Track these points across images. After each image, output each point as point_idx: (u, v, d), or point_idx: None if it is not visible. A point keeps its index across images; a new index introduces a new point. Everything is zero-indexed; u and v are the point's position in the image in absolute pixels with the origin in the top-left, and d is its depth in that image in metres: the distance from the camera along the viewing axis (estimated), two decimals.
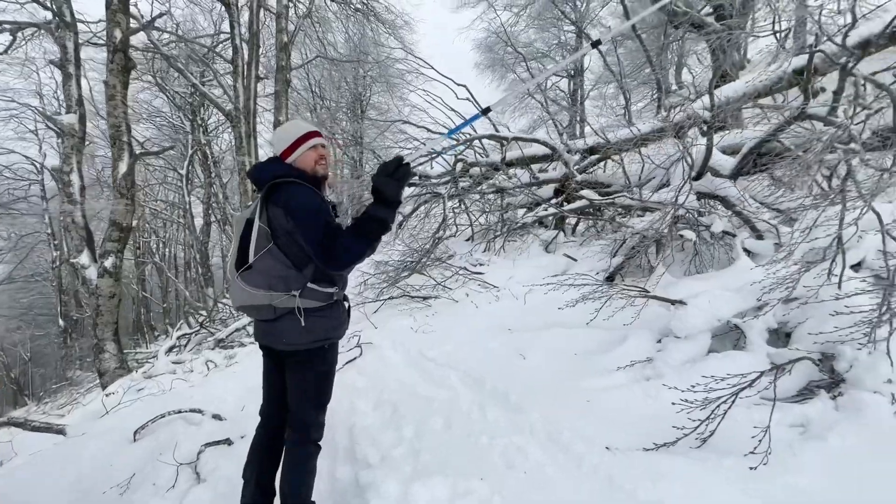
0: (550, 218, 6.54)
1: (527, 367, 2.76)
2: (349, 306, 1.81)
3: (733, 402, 1.84)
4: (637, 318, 2.94)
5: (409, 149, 8.55)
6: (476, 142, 8.07)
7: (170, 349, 8.25)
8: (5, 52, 9.20)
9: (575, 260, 4.67)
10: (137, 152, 9.05)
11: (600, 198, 5.09)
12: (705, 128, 4.46)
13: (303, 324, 1.58)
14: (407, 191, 8.66)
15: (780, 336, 2.76)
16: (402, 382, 2.78)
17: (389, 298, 4.71)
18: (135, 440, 2.59)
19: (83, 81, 12.43)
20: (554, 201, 6.69)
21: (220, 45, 15.24)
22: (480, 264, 5.29)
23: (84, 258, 8.05)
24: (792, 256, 2.91)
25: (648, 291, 3.09)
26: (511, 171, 7.91)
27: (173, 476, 2.00)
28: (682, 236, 4.07)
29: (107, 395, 4.38)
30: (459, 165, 8.23)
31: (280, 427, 1.72)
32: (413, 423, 2.21)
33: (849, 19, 3.32)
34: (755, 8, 8.42)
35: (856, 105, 3.10)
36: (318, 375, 1.70)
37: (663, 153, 5.79)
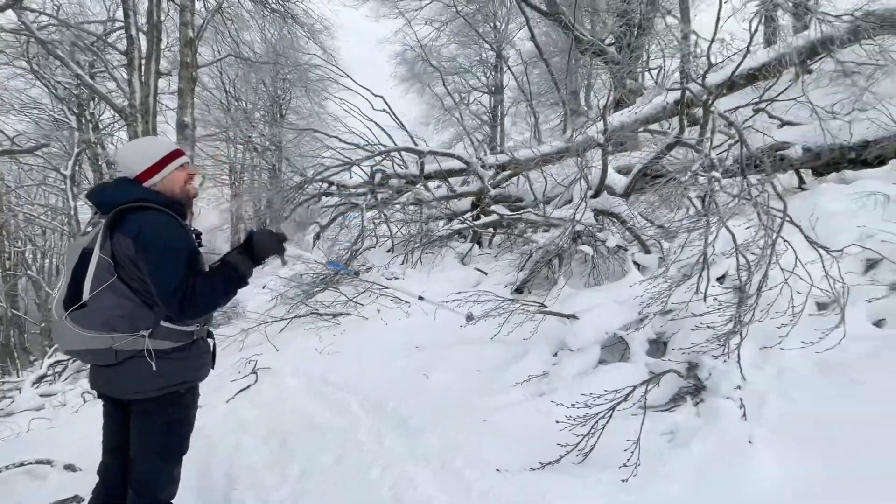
0: (468, 230, 6.69)
1: (430, 388, 2.74)
2: (214, 344, 1.62)
3: (611, 416, 1.95)
4: (535, 332, 3.05)
5: (326, 157, 8.27)
6: (396, 154, 8.04)
7: (39, 379, 7.15)
8: None
9: (485, 273, 4.79)
10: (2, 148, 7.75)
11: (509, 213, 5.29)
12: (602, 150, 4.83)
13: (153, 368, 1.38)
14: (324, 200, 8.37)
15: (659, 346, 3.03)
16: (299, 412, 2.61)
17: (296, 317, 4.46)
18: None
19: None
20: (469, 215, 6.84)
21: (115, 35, 13.74)
22: (396, 277, 5.22)
23: None
24: (669, 272, 3.22)
25: (546, 306, 3.23)
26: (430, 183, 7.99)
27: None
28: (581, 251, 4.35)
29: None
30: (378, 176, 8.13)
31: (124, 486, 1.49)
32: (301, 460, 2.07)
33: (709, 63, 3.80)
34: (648, 42, 9.37)
35: (712, 138, 3.52)
36: (170, 425, 1.48)
37: (568, 171, 6.18)
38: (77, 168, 15.87)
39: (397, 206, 7.73)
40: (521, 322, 3.05)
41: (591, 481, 1.82)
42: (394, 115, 7.66)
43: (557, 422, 1.96)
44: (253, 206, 19.92)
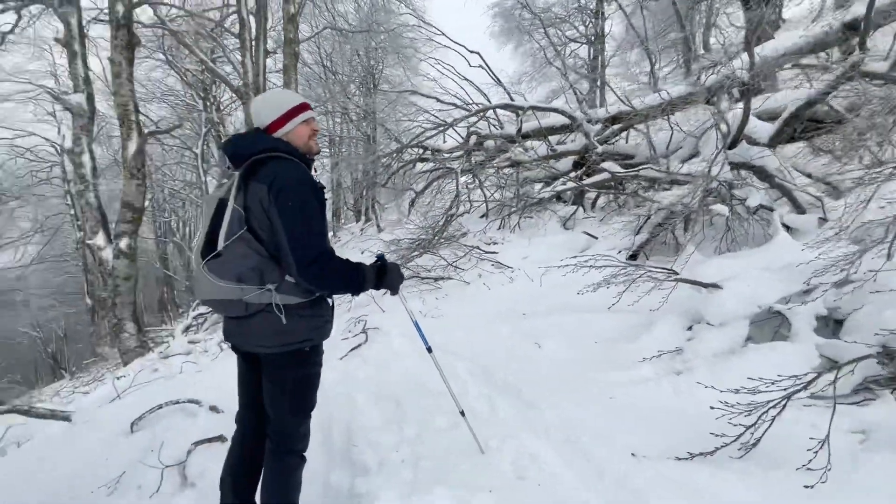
0: (569, 193, 6.20)
1: (541, 357, 2.54)
2: (333, 303, 1.57)
3: (784, 405, 1.58)
4: (665, 302, 2.66)
5: (420, 122, 8.20)
6: (490, 113, 7.69)
7: (186, 328, 8.32)
8: (11, 31, 9.08)
9: (595, 238, 4.37)
10: (147, 131, 8.94)
11: (623, 170, 4.73)
12: (741, 91, 4.04)
13: (283, 322, 1.36)
14: (419, 166, 8.38)
15: (828, 324, 2.47)
16: (408, 374, 2.60)
17: None
18: (132, 432, 2.49)
19: (96, 61, 12.34)
20: (573, 175, 6.32)
21: (229, 20, 14.90)
22: (494, 243, 5.04)
23: (100, 240, 8.08)
24: (842, 235, 2.58)
25: (677, 273, 2.80)
26: (528, 143, 7.54)
27: (159, 478, 1.88)
28: (714, 211, 3.73)
29: (118, 378, 4.36)
30: (473, 138, 7.88)
31: (260, 436, 1.52)
32: (416, 422, 2.03)
33: None
34: None
35: None
36: (297, 381, 1.47)
37: (693, 120, 5.35)
38: (206, 147, 17.94)
39: (493, 170, 7.46)
40: (647, 291, 2.68)
41: (757, 481, 1.51)
42: (490, 70, 7.26)
43: (712, 408, 1.64)
44: (350, 175, 20.98)
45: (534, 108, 6.22)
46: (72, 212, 18.64)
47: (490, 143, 8.09)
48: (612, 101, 7.75)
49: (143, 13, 12.84)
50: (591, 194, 6.34)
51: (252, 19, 12.06)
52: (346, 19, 15.11)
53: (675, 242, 4.24)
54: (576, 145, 6.96)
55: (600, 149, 6.11)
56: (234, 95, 17.52)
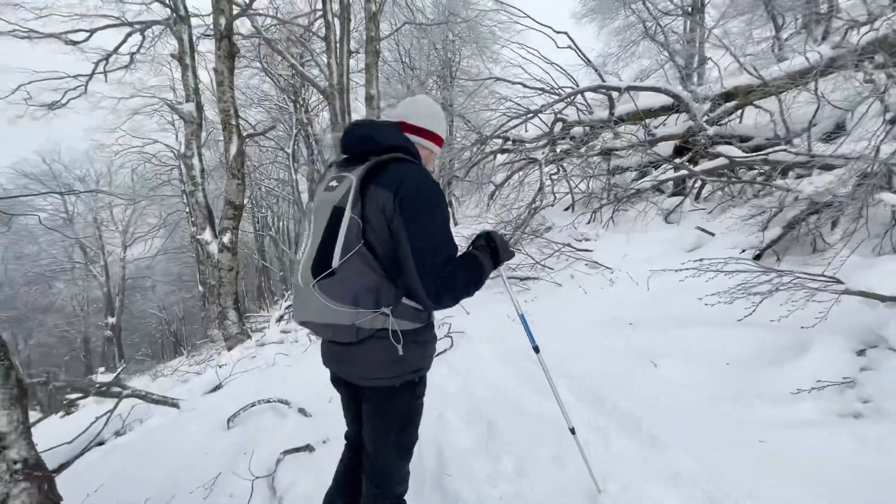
0: (669, 183, 5.50)
1: (659, 380, 2.14)
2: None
3: None
4: (824, 317, 2.12)
5: (501, 112, 7.84)
6: (579, 98, 7.12)
7: (279, 318, 8.87)
8: (138, 51, 10.26)
9: (711, 234, 3.76)
10: (245, 134, 9.64)
11: (746, 154, 4.02)
12: None
13: (400, 352, 1.17)
14: (500, 157, 8.05)
15: None
16: (499, 387, 2.35)
17: None
18: (228, 428, 2.55)
19: (204, 73, 13.62)
20: (677, 161, 5.61)
21: (316, 24, 15.65)
22: (586, 239, 4.60)
23: (207, 235, 8.88)
24: None
25: (841, 281, 2.23)
26: (620, 129, 6.89)
27: (250, 488, 1.84)
28: (880, 201, 2.98)
29: (220, 367, 4.66)
30: (559, 126, 7.37)
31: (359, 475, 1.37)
32: (514, 453, 1.78)
33: None
34: None
35: None
36: (405, 416, 1.29)
37: (831, 92, 4.42)
38: (296, 146, 19.19)
39: (580, 158, 6.92)
40: (793, 301, 2.16)
41: None
42: (580, 51, 6.68)
43: None
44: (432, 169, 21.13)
45: (632, 88, 5.60)
46: (186, 209, 21.07)
47: (578, 130, 7.54)
48: (713, 79, 6.76)
49: (243, 25, 13.91)
50: (696, 184, 5.58)
51: (336, 21, 12.52)
52: (424, 13, 15.14)
53: (816, 241, 3.50)
54: (677, 129, 6.19)
55: (711, 130, 5.34)
56: (320, 97, 18.50)
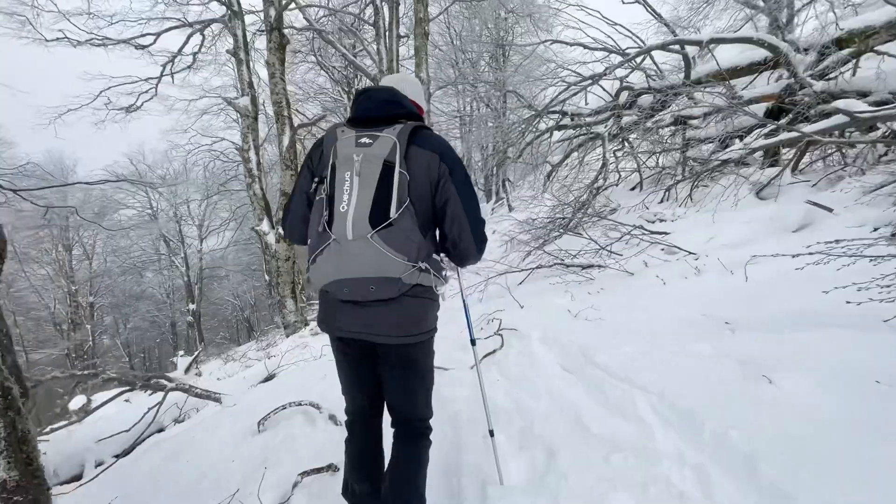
0: (756, 154, 4.64)
1: (778, 402, 1.61)
2: None
3: None
4: None
5: (558, 82, 7.16)
6: (647, 62, 6.31)
7: None
8: (199, 50, 10.66)
9: (829, 209, 3.03)
10: (297, 124, 9.72)
11: (880, 108, 3.21)
12: None
13: (434, 305, 1.30)
14: (556, 135, 7.42)
15: None
16: (559, 400, 1.93)
17: (538, 267, 3.80)
18: (259, 430, 2.36)
19: (260, 69, 14.01)
20: (771, 126, 4.73)
21: (367, 12, 15.56)
22: (661, 220, 3.97)
23: (265, 226, 9.08)
24: None
25: None
26: (697, 94, 6.04)
27: None
28: None
29: (269, 358, 4.62)
30: (624, 95, 6.61)
31: (379, 424, 1.44)
32: (580, 497, 1.37)
33: None
34: None
35: None
36: (428, 368, 1.37)
37: None
38: None
39: (650, 130, 6.15)
40: None
41: None
42: (647, 5, 5.86)
43: None
44: (480, 152, 20.70)
45: (716, 40, 4.76)
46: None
47: (646, 98, 6.73)
48: (807, 32, 5.64)
49: (296, 19, 14.10)
50: (787, 154, 4.68)
51: (385, 7, 12.30)
52: None
53: None
54: (770, 88, 5.27)
55: (818, 85, 4.43)
56: (370, 84, 18.48)
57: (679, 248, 3.07)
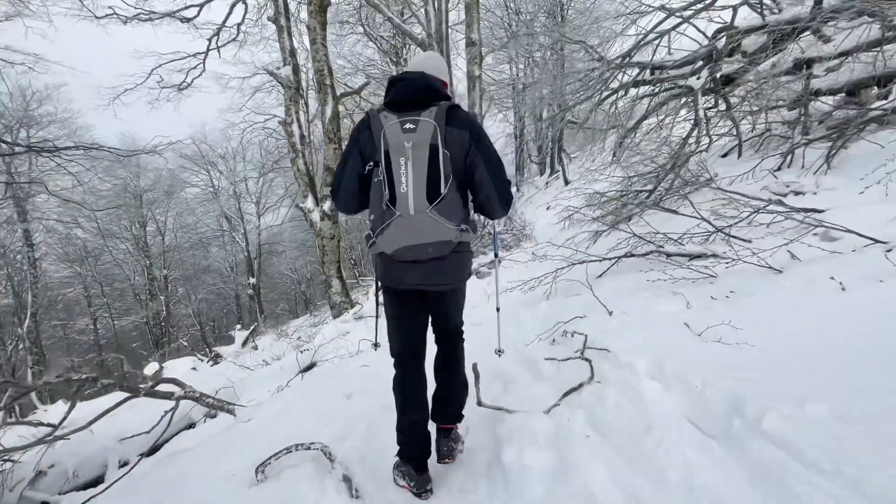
0: None
1: None
2: None
3: None
4: None
5: (635, 21, 5.93)
6: None
7: (378, 290, 8.43)
8: (242, 20, 10.29)
9: None
10: (339, 93, 9.13)
11: None
12: None
13: (468, 260, 1.66)
14: (632, 91, 6.25)
15: None
16: (704, 495, 1.14)
17: (626, 256, 2.88)
18: (256, 481, 1.78)
19: (306, 40, 13.51)
20: None
21: None
22: (795, 192, 2.94)
23: (309, 202, 8.69)
24: None
25: None
26: (827, 30, 4.72)
27: None
28: None
29: (301, 352, 4.15)
30: (723, 39, 5.33)
31: (423, 361, 1.78)
32: None
33: None
34: None
35: None
36: (463, 300, 1.81)
37: None
38: None
39: (761, 81, 4.92)
40: None
41: None
42: None
43: None
44: (534, 123, 19.26)
45: None
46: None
47: (752, 41, 5.42)
48: None
49: None
50: None
51: None
52: None
53: None
54: None
55: None
56: (418, 50, 17.57)
57: (856, 232, 2.07)
